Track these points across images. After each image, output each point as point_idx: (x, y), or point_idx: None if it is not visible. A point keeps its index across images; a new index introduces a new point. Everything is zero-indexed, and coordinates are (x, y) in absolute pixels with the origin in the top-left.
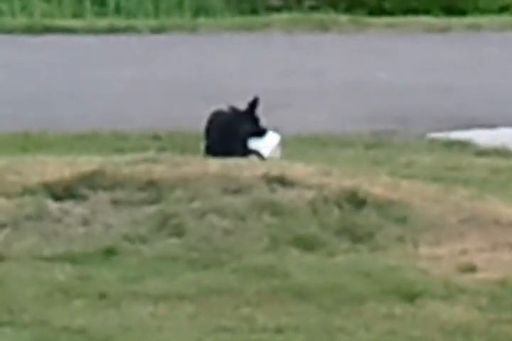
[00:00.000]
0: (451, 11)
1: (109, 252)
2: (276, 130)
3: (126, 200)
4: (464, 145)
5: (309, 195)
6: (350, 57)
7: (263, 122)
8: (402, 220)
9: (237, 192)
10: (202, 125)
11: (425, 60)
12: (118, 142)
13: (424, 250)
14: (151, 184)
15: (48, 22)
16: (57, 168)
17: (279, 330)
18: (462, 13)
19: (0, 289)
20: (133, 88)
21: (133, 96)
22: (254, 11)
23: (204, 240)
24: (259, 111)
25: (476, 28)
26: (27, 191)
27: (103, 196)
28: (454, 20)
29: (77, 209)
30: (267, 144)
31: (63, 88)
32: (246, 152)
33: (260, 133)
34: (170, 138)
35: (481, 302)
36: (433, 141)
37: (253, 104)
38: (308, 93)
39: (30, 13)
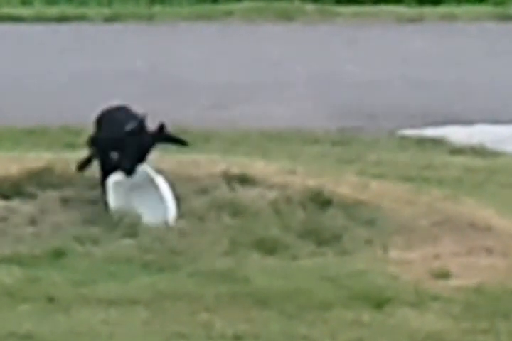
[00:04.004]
0: None
1: (59, 254)
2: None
3: (77, 199)
4: (437, 142)
5: (271, 194)
6: (316, 49)
7: None
8: (370, 222)
9: (194, 191)
10: (157, 119)
11: (396, 52)
12: (68, 137)
13: (394, 254)
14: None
15: None
16: (3, 164)
17: (237, 338)
18: (436, 2)
19: None
20: (85, 80)
21: (85, 89)
22: None
23: (159, 241)
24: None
25: (450, 18)
26: None
27: (52, 194)
28: (427, 10)
29: (24, 207)
30: None
31: (11, 79)
32: None
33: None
34: None
35: (455, 310)
36: (404, 138)
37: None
38: (272, 86)
39: None
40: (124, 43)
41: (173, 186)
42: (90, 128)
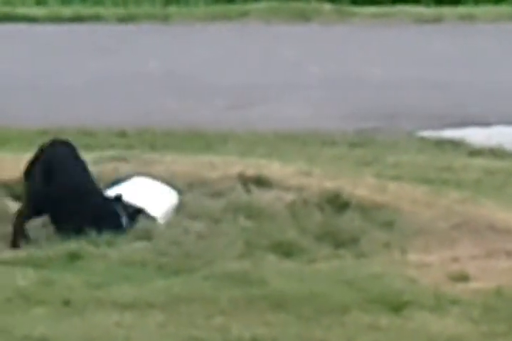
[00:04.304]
0: (443, 0)
1: (73, 256)
2: None
3: None
4: (456, 144)
5: (288, 197)
6: (333, 50)
7: None
8: (388, 225)
9: (210, 193)
10: (172, 121)
11: (415, 53)
12: (83, 138)
13: (412, 257)
14: None
15: (8, 10)
16: (17, 166)
17: None
18: (455, 2)
19: None
20: (99, 81)
21: (99, 90)
22: (229, 0)
23: (175, 244)
24: None
25: (469, 18)
26: None
27: None
28: (446, 10)
29: None
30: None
31: (25, 80)
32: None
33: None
34: (138, 135)
35: (474, 313)
36: (423, 139)
37: None
38: (288, 87)
39: None
40: (139, 44)
41: (189, 187)
42: (104, 130)
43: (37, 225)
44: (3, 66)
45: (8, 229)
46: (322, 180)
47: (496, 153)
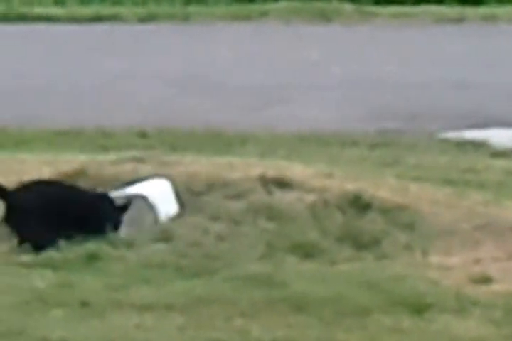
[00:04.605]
0: (465, 0)
1: (92, 258)
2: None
3: None
4: (478, 145)
5: (309, 198)
6: (354, 50)
7: None
8: (410, 226)
9: (230, 194)
10: (192, 121)
11: (437, 53)
12: (102, 139)
13: (434, 259)
14: None
15: (26, 10)
16: (36, 166)
17: None
18: (477, 2)
19: None
20: (118, 81)
21: (118, 90)
22: None
23: (194, 246)
24: None
25: (492, 18)
26: None
27: None
28: (468, 10)
29: None
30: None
31: (43, 80)
32: None
33: None
34: (158, 136)
35: (496, 315)
36: (445, 140)
37: None
38: (309, 88)
39: (8, 1)
40: (159, 44)
41: (209, 188)
42: (123, 130)
43: None
44: (20, 66)
45: None
46: (343, 182)
47: None
